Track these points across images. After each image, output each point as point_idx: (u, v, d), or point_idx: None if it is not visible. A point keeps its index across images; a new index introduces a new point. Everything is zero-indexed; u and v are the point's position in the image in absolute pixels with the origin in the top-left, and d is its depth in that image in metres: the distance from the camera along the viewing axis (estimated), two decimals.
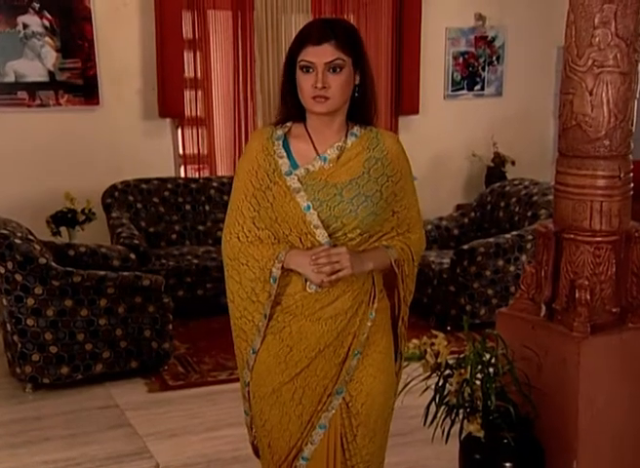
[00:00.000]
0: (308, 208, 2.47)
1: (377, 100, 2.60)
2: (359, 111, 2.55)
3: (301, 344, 2.54)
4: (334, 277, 2.44)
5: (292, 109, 2.54)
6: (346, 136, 2.54)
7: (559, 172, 3.30)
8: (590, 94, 3.12)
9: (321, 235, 2.48)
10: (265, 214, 2.51)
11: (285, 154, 2.53)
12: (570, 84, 3.18)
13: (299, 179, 2.49)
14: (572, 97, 3.18)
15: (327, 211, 2.48)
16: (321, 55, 2.41)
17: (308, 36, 2.44)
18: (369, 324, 2.57)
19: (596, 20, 3.07)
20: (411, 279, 2.66)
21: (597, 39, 3.08)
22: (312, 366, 2.55)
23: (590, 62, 3.10)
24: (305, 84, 2.44)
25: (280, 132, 2.57)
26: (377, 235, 2.57)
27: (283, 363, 2.56)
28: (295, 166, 2.52)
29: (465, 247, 5.72)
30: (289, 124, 2.58)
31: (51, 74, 6.40)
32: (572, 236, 3.23)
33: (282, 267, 2.47)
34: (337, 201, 2.48)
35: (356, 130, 2.56)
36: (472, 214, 6.66)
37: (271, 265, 2.47)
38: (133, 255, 5.40)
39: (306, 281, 2.49)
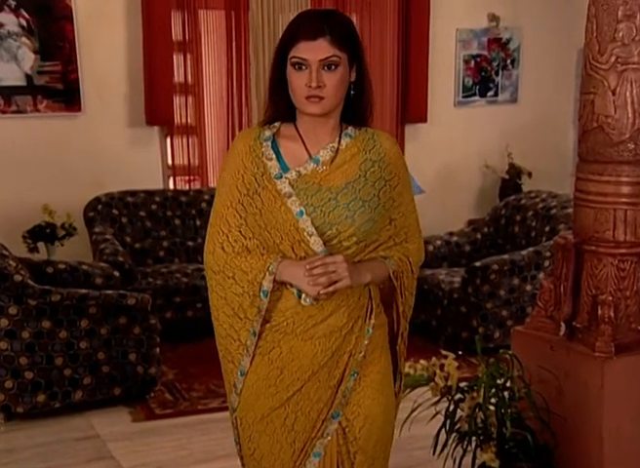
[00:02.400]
0: (301, 214, 2.45)
1: (373, 99, 2.58)
2: (354, 111, 2.54)
3: (293, 366, 2.52)
4: (331, 288, 2.41)
5: (281, 108, 2.52)
6: (340, 137, 2.53)
7: (579, 178, 3.30)
8: (613, 93, 3.12)
9: (315, 243, 2.45)
10: (253, 221, 2.48)
11: (274, 156, 2.51)
12: (591, 83, 3.18)
13: (290, 183, 2.48)
14: (593, 96, 3.18)
15: (321, 217, 2.46)
16: (316, 51, 2.39)
17: (301, 30, 2.42)
18: (366, 341, 2.54)
19: (619, 14, 3.08)
20: (410, 292, 2.64)
21: (621, 34, 3.09)
22: (305, 389, 2.53)
23: (613, 59, 3.11)
24: (298, 82, 2.42)
25: (268, 132, 2.55)
26: (373, 244, 2.54)
27: (273, 386, 2.53)
28: (285, 168, 2.50)
29: (478, 264, 5.71)
30: (277, 124, 2.56)
31: (28, 78, 6.39)
32: (593, 248, 3.22)
33: (274, 280, 2.45)
34: (332, 206, 2.46)
35: (350, 130, 2.55)
36: (485, 229, 6.66)
37: (261, 278, 2.45)
38: (117, 273, 5.39)
39: (300, 294, 2.47)
